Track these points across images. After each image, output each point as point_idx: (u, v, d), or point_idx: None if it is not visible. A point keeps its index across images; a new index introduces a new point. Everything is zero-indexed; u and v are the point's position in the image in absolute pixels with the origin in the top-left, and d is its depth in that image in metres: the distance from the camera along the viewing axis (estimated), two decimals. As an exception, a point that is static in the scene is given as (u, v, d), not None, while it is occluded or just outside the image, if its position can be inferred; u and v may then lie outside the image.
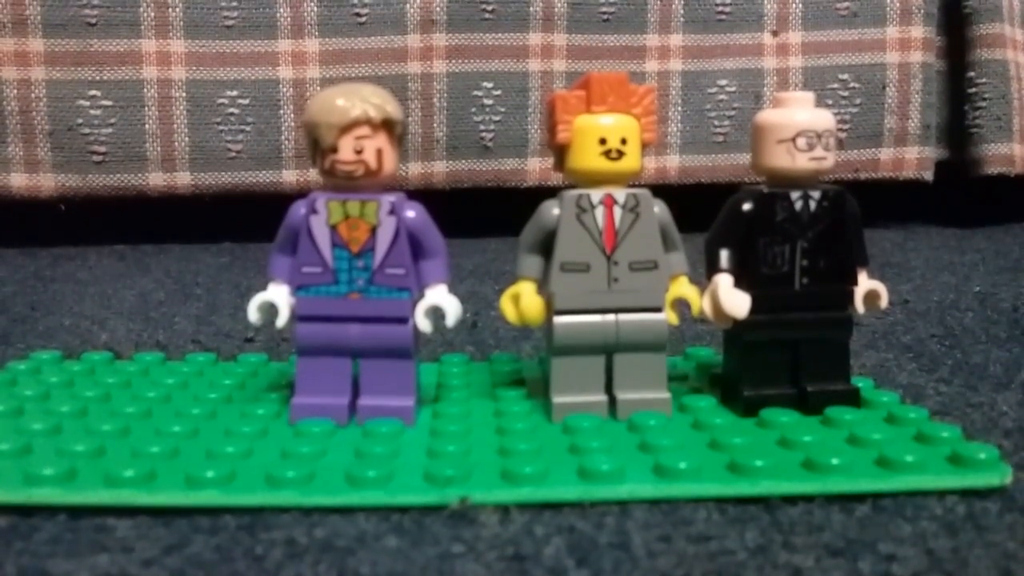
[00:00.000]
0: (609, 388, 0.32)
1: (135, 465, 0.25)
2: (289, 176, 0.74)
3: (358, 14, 0.73)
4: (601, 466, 0.26)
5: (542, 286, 0.32)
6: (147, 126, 0.72)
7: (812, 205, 0.31)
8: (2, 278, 0.62)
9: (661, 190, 0.33)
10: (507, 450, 0.27)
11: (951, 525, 0.24)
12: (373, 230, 0.30)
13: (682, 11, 0.77)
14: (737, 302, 0.31)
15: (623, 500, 0.25)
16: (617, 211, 0.31)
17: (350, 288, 0.30)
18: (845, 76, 0.79)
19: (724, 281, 0.31)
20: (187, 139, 0.72)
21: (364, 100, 0.30)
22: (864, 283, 0.33)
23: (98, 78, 0.71)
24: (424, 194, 0.34)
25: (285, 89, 0.73)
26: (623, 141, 0.31)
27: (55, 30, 0.70)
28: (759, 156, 0.32)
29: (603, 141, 0.30)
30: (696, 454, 0.27)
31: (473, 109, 0.75)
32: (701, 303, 0.32)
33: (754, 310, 0.31)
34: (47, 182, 0.71)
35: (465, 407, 0.32)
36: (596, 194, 0.31)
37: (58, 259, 0.70)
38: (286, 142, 0.74)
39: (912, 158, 0.81)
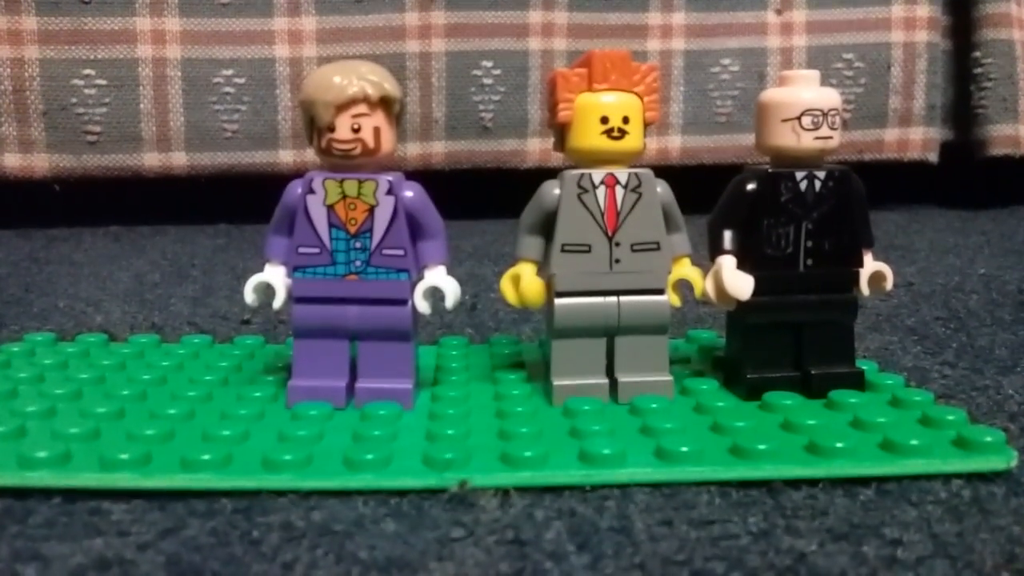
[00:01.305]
0: (610, 371, 0.32)
1: (130, 448, 0.25)
2: (286, 156, 0.73)
3: (356, -8, 0.72)
4: (602, 449, 0.25)
5: (542, 268, 0.31)
6: (142, 106, 0.71)
7: (817, 185, 0.31)
8: (-3, 259, 0.61)
9: (663, 171, 0.32)
10: (507, 433, 0.27)
11: (956, 509, 0.23)
12: (371, 210, 0.30)
13: (684, -11, 0.76)
14: (740, 284, 0.31)
15: (624, 484, 0.25)
16: (619, 191, 0.30)
17: (348, 269, 0.30)
18: (849, 56, 0.78)
19: (727, 262, 0.31)
20: (182, 119, 0.72)
21: (361, 78, 0.29)
22: (869, 265, 0.32)
23: (92, 57, 0.70)
24: (423, 175, 0.33)
25: (281, 68, 0.72)
26: (625, 120, 0.30)
27: (48, 8, 0.69)
28: (764, 135, 0.31)
29: (605, 120, 0.30)
30: (698, 437, 0.27)
31: (472, 89, 0.74)
32: (704, 285, 0.32)
33: (757, 292, 0.31)
34: (41, 162, 0.71)
35: (464, 390, 0.32)
36: (598, 174, 0.30)
37: (52, 240, 0.70)
38: (282, 122, 0.73)
39: (917, 139, 0.80)
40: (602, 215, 0.31)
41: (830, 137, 0.31)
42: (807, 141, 0.30)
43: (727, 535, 0.22)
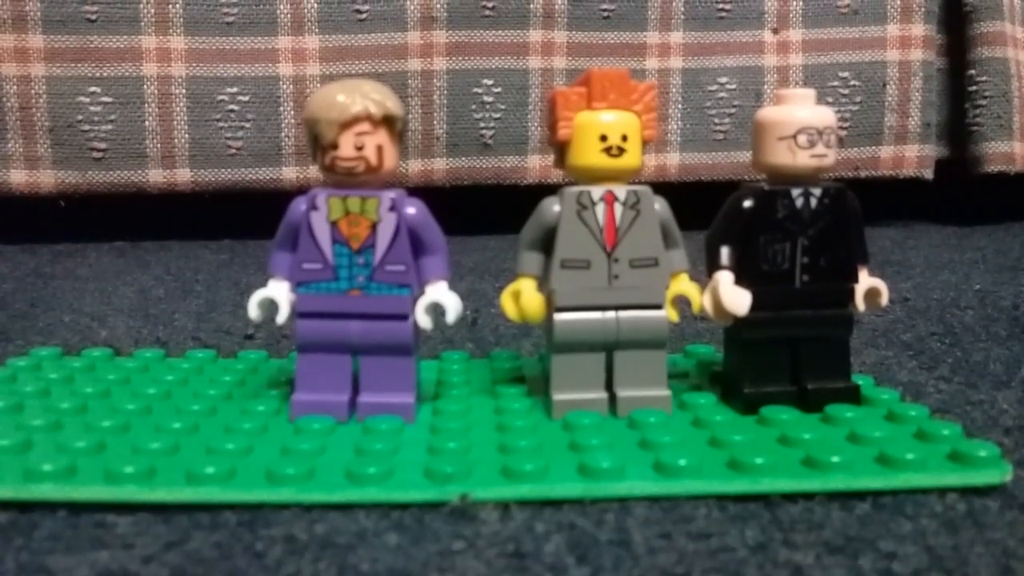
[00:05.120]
0: (609, 385, 0.32)
1: (135, 461, 0.25)
2: (289, 173, 0.74)
3: (358, 11, 0.73)
4: (601, 463, 0.26)
5: (542, 283, 0.32)
6: (147, 123, 0.72)
7: (813, 202, 0.31)
8: (2, 274, 0.62)
9: (661, 188, 0.32)
10: (507, 447, 0.27)
11: (951, 523, 0.24)
12: (374, 226, 0.30)
13: (682, 8, 0.77)
14: (738, 299, 0.31)
15: (623, 497, 0.25)
16: (618, 208, 0.31)
17: (350, 285, 0.30)
18: (845, 74, 0.79)
19: (725, 278, 0.31)
20: (187, 136, 0.72)
21: (365, 96, 0.30)
22: (865, 281, 0.32)
23: (98, 75, 0.71)
24: (424, 191, 0.34)
25: (285, 86, 0.73)
26: (624, 138, 0.31)
27: (55, 26, 0.70)
28: (760, 153, 0.32)
29: (604, 138, 0.30)
30: (696, 451, 0.27)
31: (473, 106, 0.75)
32: (701, 300, 0.32)
33: (754, 307, 0.31)
34: (47, 179, 0.71)
35: (465, 404, 0.32)
36: (597, 191, 0.31)
37: (58, 256, 0.70)
38: (286, 139, 0.74)
39: (912, 156, 0.81)
40: (601, 231, 0.31)
41: (825, 155, 0.31)
42: (803, 159, 0.31)
43: (725, 548, 0.22)
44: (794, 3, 0.78)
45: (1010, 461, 0.26)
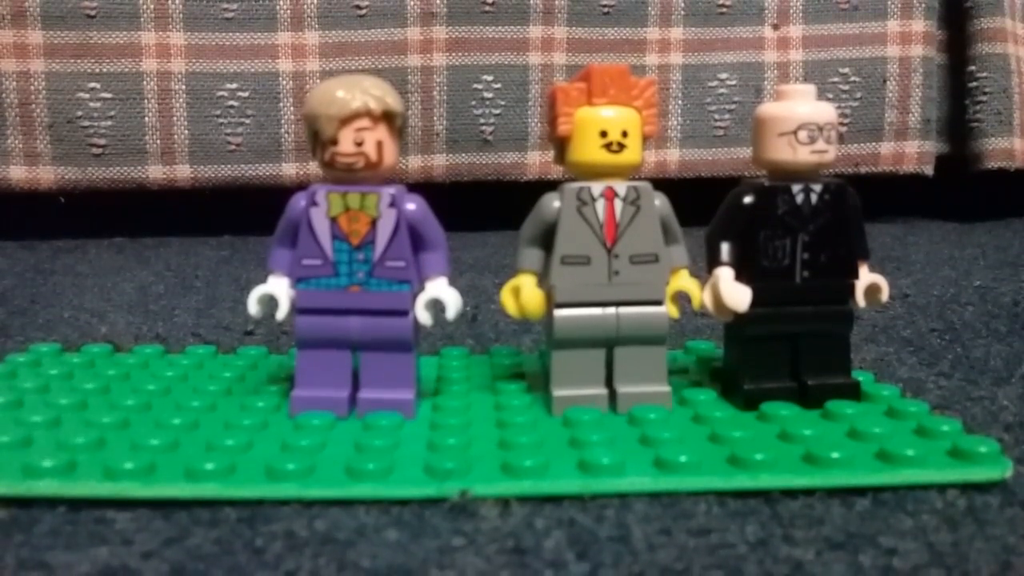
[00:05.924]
0: (609, 381, 0.32)
1: (135, 457, 0.25)
2: (289, 169, 0.74)
3: (358, 7, 0.73)
4: (601, 459, 0.26)
5: (542, 279, 0.32)
6: (147, 119, 0.72)
7: (813, 198, 0.31)
8: (2, 270, 0.62)
9: (661, 184, 0.32)
10: (507, 443, 0.27)
11: (951, 519, 0.24)
12: (373, 222, 0.30)
13: (683, 4, 0.77)
14: (738, 295, 0.31)
15: (623, 493, 0.25)
16: (618, 204, 0.31)
17: (350, 281, 0.30)
18: (846, 70, 0.79)
19: (725, 274, 0.31)
20: (187, 132, 0.72)
21: (364, 92, 0.29)
22: (865, 277, 0.32)
23: (97, 70, 0.71)
24: (424, 187, 0.34)
25: (285, 82, 0.73)
26: (624, 134, 0.30)
27: (54, 22, 0.70)
28: (760, 149, 0.32)
29: (604, 134, 0.30)
30: (696, 447, 0.27)
31: (473, 102, 0.75)
32: (702, 296, 0.32)
33: (755, 303, 0.31)
34: (46, 175, 0.71)
35: (465, 400, 0.32)
36: (597, 187, 0.31)
37: (57, 252, 0.70)
38: (286, 135, 0.73)
39: (912, 152, 0.81)
40: (601, 227, 0.31)
41: (826, 151, 0.31)
42: (803, 155, 0.31)
43: (725, 544, 0.22)
44: (794, -1, 0.78)
45: (1010, 457, 0.26)
